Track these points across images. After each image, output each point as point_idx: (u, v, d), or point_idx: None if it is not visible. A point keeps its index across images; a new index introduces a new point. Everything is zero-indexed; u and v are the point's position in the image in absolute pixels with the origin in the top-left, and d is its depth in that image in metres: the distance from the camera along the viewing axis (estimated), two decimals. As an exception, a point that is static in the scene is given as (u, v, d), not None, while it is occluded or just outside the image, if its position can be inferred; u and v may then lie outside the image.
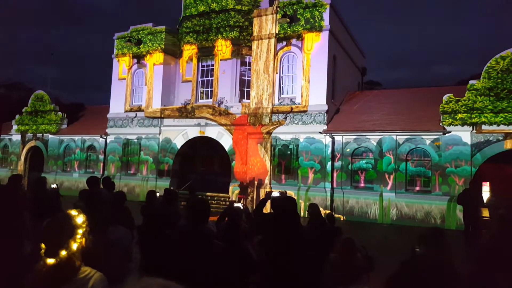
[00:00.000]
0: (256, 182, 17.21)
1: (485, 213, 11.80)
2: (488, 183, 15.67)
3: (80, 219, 2.01)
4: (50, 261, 1.86)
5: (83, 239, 1.97)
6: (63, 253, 1.87)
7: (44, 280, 1.88)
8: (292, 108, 17.03)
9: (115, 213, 4.22)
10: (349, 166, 15.94)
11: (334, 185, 16.01)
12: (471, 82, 14.49)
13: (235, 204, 5.31)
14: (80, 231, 1.97)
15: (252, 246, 4.06)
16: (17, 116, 26.14)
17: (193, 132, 19.47)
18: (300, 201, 15.80)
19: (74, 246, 1.92)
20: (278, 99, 17.55)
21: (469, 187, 11.69)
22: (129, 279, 3.58)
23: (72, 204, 5.15)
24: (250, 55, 18.60)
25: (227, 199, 17.09)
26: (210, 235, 3.53)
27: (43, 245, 1.89)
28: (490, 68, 14.14)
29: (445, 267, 2.84)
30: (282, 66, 17.82)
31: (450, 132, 14.37)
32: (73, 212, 2.03)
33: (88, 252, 2.04)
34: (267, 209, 7.32)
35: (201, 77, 20.40)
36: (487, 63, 14.25)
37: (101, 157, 22.23)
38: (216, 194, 18.18)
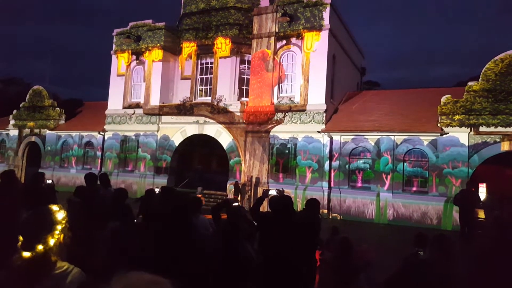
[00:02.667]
0: (253, 181, 17.22)
1: (481, 214, 11.86)
2: (484, 184, 15.74)
3: (60, 214, 1.98)
4: (26, 254, 1.83)
5: (61, 235, 1.93)
6: (40, 247, 1.84)
7: (18, 274, 1.85)
8: (290, 107, 17.03)
9: (114, 210, 4.22)
10: (347, 166, 15.97)
11: (332, 185, 16.04)
12: (469, 83, 14.54)
13: (234, 204, 5.29)
14: (59, 227, 1.93)
15: (252, 246, 4.07)
16: (14, 111, 26.03)
17: (192, 130, 19.45)
18: (298, 200, 15.81)
19: (52, 241, 1.88)
20: (277, 98, 17.54)
21: (465, 188, 11.74)
22: (116, 274, 3.59)
23: (66, 200, 5.14)
24: (250, 53, 18.58)
25: (224, 197, 17.09)
26: (194, 228, 3.54)
27: (21, 238, 1.87)
28: (488, 70, 14.19)
29: (449, 273, 2.85)
30: (282, 65, 17.81)
31: (448, 133, 14.41)
32: (54, 207, 2.00)
33: (72, 248, 2.01)
34: (264, 207, 7.33)
35: (200, 75, 20.37)
36: (485, 65, 14.30)
37: (99, 153, 22.18)
38: (213, 192, 18.19)
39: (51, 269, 1.91)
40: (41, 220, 1.93)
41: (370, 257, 4.27)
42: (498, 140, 13.86)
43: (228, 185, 17.89)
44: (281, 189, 6.48)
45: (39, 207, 2.03)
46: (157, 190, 6.26)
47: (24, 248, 1.85)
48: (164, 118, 20.25)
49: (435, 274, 2.83)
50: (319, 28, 16.73)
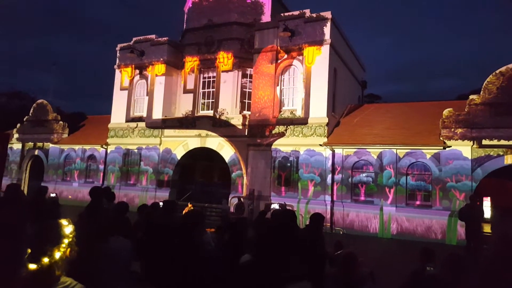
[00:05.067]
0: (256, 194, 17.14)
1: (487, 228, 11.72)
2: (489, 198, 15.62)
3: (68, 229, 1.99)
4: (32, 266, 1.85)
5: (68, 250, 1.95)
6: (45, 260, 1.86)
7: (22, 285, 1.87)
8: (292, 120, 17.08)
9: (116, 224, 4.22)
10: (349, 179, 15.91)
11: (334, 198, 15.95)
12: (471, 97, 14.57)
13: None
14: (66, 240, 1.95)
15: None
16: (18, 125, 26.21)
17: (194, 143, 19.49)
18: (300, 214, 15.71)
19: (57, 255, 1.89)
20: (279, 111, 17.62)
21: (470, 202, 11.63)
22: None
23: (78, 215, 5.13)
24: (251, 67, 18.75)
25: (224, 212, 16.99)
26: (200, 245, 3.51)
27: (29, 250, 1.88)
28: (490, 83, 14.24)
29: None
30: (283, 78, 17.95)
31: (451, 146, 14.38)
32: (64, 222, 2.01)
33: (77, 263, 2.02)
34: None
35: (202, 89, 20.53)
36: (487, 79, 14.36)
37: (101, 167, 22.20)
38: (215, 205, 18.08)
39: (54, 283, 1.91)
40: (48, 233, 1.95)
41: (364, 271, 4.22)
42: (501, 153, 13.81)
43: (230, 199, 17.80)
44: (284, 203, 6.47)
45: (48, 221, 2.05)
46: (161, 204, 6.28)
47: (30, 260, 1.86)
48: (167, 132, 20.33)
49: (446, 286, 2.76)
50: (320, 43, 16.91)
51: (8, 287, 2.05)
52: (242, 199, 16.79)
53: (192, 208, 12.45)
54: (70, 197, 7.68)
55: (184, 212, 11.84)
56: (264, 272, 2.55)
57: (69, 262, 1.96)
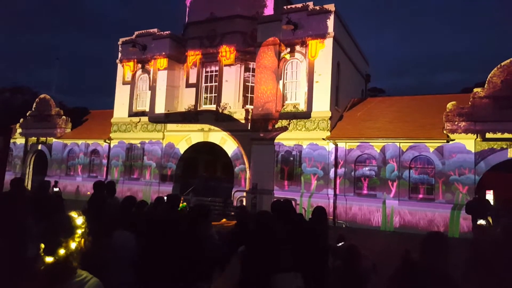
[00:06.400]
0: (258, 188, 17.17)
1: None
2: (492, 191, 15.57)
3: (79, 220, 2.02)
4: (49, 259, 1.87)
5: (82, 240, 1.97)
6: (62, 251, 1.87)
7: (40, 279, 1.88)
8: (295, 115, 17.04)
9: (121, 218, 4.23)
10: (352, 173, 15.90)
11: (337, 192, 15.96)
12: (475, 90, 14.49)
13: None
14: (79, 231, 1.97)
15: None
16: (21, 120, 26.30)
17: (197, 137, 19.51)
18: (303, 207, 15.73)
19: (73, 245, 1.91)
20: (282, 105, 17.57)
21: (476, 196, 11.62)
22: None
23: (76, 208, 5.15)
24: (254, 61, 18.67)
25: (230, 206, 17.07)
26: (204, 239, 3.53)
27: (42, 245, 1.90)
28: (494, 76, 14.15)
29: (444, 274, 2.76)
30: (286, 72, 17.88)
31: (454, 140, 14.33)
32: (73, 214, 2.04)
33: (88, 255, 2.04)
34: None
35: (205, 83, 20.49)
36: (491, 72, 14.26)
37: (105, 161, 22.29)
38: (219, 199, 18.15)
39: (72, 275, 1.93)
40: (61, 225, 1.97)
41: (367, 263, 4.24)
42: (505, 146, 13.75)
43: (233, 193, 17.85)
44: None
45: (57, 214, 2.07)
46: (165, 198, 6.32)
47: (46, 253, 1.88)
48: (169, 126, 20.34)
49: (428, 273, 2.72)
50: (324, 36, 16.80)
51: (15, 281, 2.06)
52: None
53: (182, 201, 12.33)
54: (89, 193, 7.69)
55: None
56: (253, 262, 2.58)
57: (82, 253, 1.98)
